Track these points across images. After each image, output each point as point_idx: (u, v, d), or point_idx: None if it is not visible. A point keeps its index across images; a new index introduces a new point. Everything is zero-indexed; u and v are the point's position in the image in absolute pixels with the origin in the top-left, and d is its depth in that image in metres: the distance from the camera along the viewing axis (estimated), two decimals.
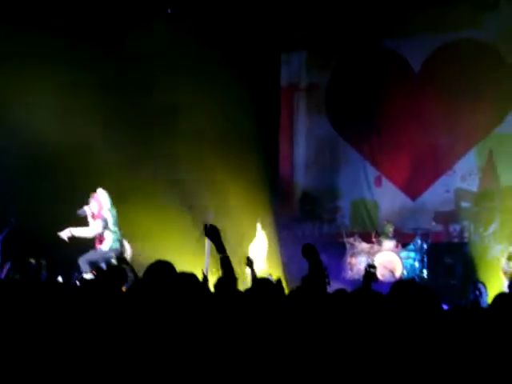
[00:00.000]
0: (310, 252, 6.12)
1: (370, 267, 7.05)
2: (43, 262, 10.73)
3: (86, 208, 12.09)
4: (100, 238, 12.03)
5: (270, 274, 9.70)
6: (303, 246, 6.16)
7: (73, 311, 4.93)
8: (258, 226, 14.33)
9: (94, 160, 13.62)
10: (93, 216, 12.04)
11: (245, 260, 8.04)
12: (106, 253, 11.90)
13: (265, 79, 16.62)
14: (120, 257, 8.14)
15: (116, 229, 12.12)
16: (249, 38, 15.81)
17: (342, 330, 4.36)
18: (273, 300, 4.75)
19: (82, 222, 12.10)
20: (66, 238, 11.84)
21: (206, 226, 5.94)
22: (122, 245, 12.22)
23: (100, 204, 12.02)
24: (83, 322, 4.79)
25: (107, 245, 11.94)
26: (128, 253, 12.27)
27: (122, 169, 14.00)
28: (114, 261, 8.97)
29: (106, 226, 11.96)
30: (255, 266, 13.35)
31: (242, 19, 15.45)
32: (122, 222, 13.64)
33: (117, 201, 13.20)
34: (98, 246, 12.01)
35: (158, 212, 14.10)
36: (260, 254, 13.95)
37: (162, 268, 4.86)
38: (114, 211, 12.18)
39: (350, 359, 4.09)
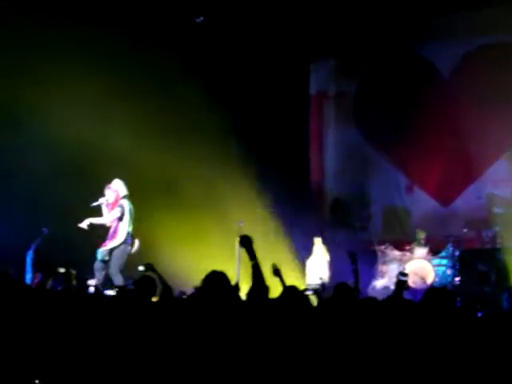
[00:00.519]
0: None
1: (402, 275, 7.03)
2: (73, 271, 10.78)
3: (101, 199, 12.22)
4: (114, 230, 12.14)
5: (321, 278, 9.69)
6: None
7: (108, 322, 4.95)
8: (317, 240, 14.25)
9: (127, 168, 13.69)
10: (107, 205, 12.16)
11: (271, 268, 8.01)
12: (122, 251, 12.04)
13: (294, 88, 16.61)
14: (148, 264, 8.14)
15: (130, 222, 12.24)
16: (278, 48, 15.81)
17: (374, 338, 4.33)
18: (303, 308, 4.75)
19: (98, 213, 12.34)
20: (85, 227, 12.08)
21: (240, 236, 6.15)
22: (132, 240, 12.30)
23: (117, 193, 12.14)
24: (121, 332, 4.81)
25: (120, 239, 12.03)
26: (134, 249, 12.32)
27: (154, 176, 14.09)
28: (141, 268, 8.96)
29: (123, 214, 12.07)
30: (314, 279, 13.49)
31: (271, 29, 15.45)
32: (154, 230, 13.74)
33: (148, 209, 13.32)
34: (107, 243, 12.09)
35: (189, 221, 14.15)
36: (320, 267, 13.92)
37: (218, 278, 4.94)
38: (131, 204, 12.29)
39: (382, 367, 4.06)
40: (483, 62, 15.11)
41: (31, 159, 13.48)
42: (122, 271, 11.99)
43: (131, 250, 12.26)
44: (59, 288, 11.23)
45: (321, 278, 13.39)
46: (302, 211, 15.49)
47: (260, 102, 14.95)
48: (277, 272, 7.82)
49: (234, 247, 12.50)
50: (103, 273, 12.04)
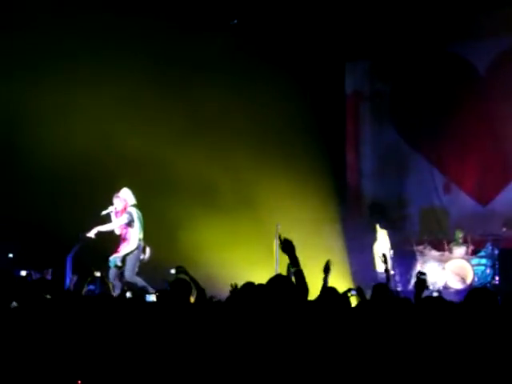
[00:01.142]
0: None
1: (421, 274, 6.99)
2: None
3: (110, 208, 12.44)
4: (124, 237, 12.29)
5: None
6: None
7: (149, 325, 4.98)
8: (377, 225, 14.35)
9: (163, 172, 13.77)
10: (116, 213, 12.33)
11: (325, 264, 7.96)
12: (136, 257, 12.27)
13: (330, 88, 16.62)
14: (179, 267, 8.15)
15: (141, 229, 12.41)
16: (313, 48, 15.81)
17: (413, 339, 4.31)
18: (339, 310, 4.74)
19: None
20: (93, 236, 12.35)
21: (282, 240, 6.04)
22: (144, 247, 12.43)
23: (126, 202, 12.31)
24: (161, 334, 4.83)
25: (133, 245, 12.17)
26: (146, 256, 12.45)
27: (190, 181, 14.14)
28: (172, 271, 8.99)
29: (131, 221, 12.22)
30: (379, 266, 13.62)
31: (306, 29, 15.45)
32: (191, 233, 13.77)
33: (184, 213, 13.36)
34: (120, 250, 12.21)
35: (225, 224, 14.16)
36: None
37: (282, 282, 4.92)
38: (140, 212, 12.42)
39: (421, 368, 4.04)
40: None
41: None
42: (138, 275, 12.18)
43: (144, 257, 12.43)
44: (96, 292, 11.38)
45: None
46: (339, 213, 15.48)
47: (296, 103, 14.90)
48: (327, 270, 7.77)
49: (273, 250, 12.51)
50: (119, 280, 12.21)
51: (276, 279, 4.93)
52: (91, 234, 12.39)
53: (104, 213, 12.49)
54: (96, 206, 13.11)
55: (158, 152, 13.74)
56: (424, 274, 7.15)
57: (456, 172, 15.66)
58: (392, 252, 14.19)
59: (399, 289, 13.86)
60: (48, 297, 6.33)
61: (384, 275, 13.74)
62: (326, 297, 5.21)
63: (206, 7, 14.68)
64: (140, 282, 12.07)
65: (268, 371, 4.05)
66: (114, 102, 13.47)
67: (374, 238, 14.59)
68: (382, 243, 14.23)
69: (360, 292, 7.70)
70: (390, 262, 13.69)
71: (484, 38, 15.26)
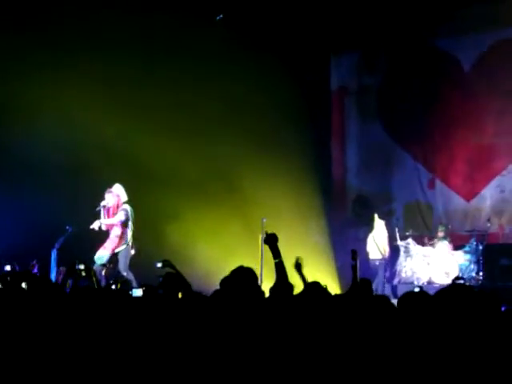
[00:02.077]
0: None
1: (457, 279, 7.02)
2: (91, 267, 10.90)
3: (102, 203, 12.44)
4: (120, 236, 12.28)
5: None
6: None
7: (137, 319, 4.99)
8: (376, 215, 14.41)
9: (150, 166, 13.78)
10: (108, 209, 12.31)
11: (294, 263, 7.97)
12: (127, 251, 12.28)
13: (317, 82, 16.64)
14: (165, 261, 8.15)
15: (132, 226, 12.45)
16: (300, 43, 15.82)
17: (392, 335, 4.34)
18: (323, 304, 4.77)
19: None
20: (97, 228, 12.43)
21: (266, 233, 6.12)
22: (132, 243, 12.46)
23: (118, 197, 12.30)
24: (148, 330, 4.85)
25: (125, 242, 12.16)
26: (132, 252, 12.50)
27: (176, 177, 14.13)
28: (159, 264, 8.99)
29: (127, 219, 12.22)
30: (374, 254, 13.75)
31: (292, 23, 15.45)
32: (177, 229, 13.80)
33: (170, 208, 13.38)
34: (110, 247, 12.20)
35: (211, 219, 14.19)
36: (380, 242, 14.11)
37: (245, 274, 4.93)
38: (132, 209, 12.46)
39: (405, 365, 4.07)
40: (504, 55, 15.01)
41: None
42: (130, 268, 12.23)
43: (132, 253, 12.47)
44: (80, 285, 11.34)
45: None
46: (324, 207, 15.53)
47: (282, 98, 14.92)
48: (298, 267, 7.78)
49: (258, 244, 12.55)
50: (104, 274, 12.19)
51: (239, 271, 4.97)
52: (95, 225, 12.43)
53: (97, 209, 12.46)
54: (82, 199, 13.13)
55: (143, 146, 13.72)
56: (459, 278, 7.17)
57: (441, 167, 15.70)
58: (388, 242, 14.30)
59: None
60: (24, 287, 6.32)
61: (377, 263, 13.99)
62: (308, 291, 5.23)
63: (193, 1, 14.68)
64: (131, 277, 12.04)
65: (251, 366, 4.08)
66: (100, 96, 13.44)
67: (369, 229, 14.59)
68: (380, 233, 14.28)
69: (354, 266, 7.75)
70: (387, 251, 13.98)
71: (470, 33, 15.29)
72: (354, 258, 8.43)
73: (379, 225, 14.39)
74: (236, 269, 5.00)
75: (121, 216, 12.36)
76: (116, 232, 12.39)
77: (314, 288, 5.20)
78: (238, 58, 14.59)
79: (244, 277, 4.90)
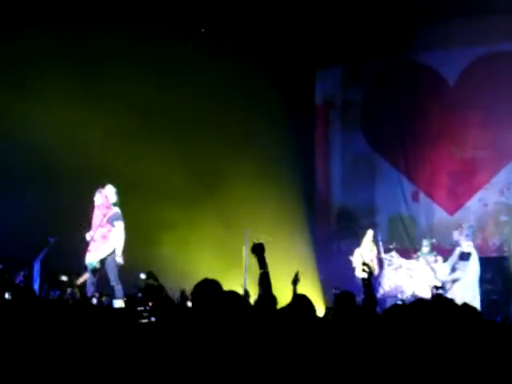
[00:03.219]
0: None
1: (436, 288, 7.00)
2: (64, 278, 10.82)
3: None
4: (103, 236, 12.08)
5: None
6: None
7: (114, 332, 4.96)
8: (369, 232, 14.35)
9: (132, 175, 13.72)
10: (93, 208, 12.14)
11: (294, 276, 7.96)
12: (113, 259, 11.93)
13: (301, 96, 16.65)
14: (149, 272, 8.12)
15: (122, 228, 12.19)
16: (284, 56, 15.84)
17: (378, 348, 4.32)
18: (310, 318, 4.75)
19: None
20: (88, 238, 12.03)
21: (254, 243, 6.10)
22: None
23: (106, 198, 12.09)
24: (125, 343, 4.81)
25: (111, 246, 11.97)
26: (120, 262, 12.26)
27: (159, 187, 14.09)
28: (143, 275, 8.94)
29: (118, 219, 12.06)
30: (361, 272, 13.64)
31: (278, 36, 15.48)
32: (160, 240, 13.74)
33: (153, 218, 13.32)
34: (91, 249, 12.05)
35: (194, 230, 14.15)
36: (368, 260, 14.08)
37: (209, 286, 4.90)
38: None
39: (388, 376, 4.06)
40: (488, 70, 15.09)
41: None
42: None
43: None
44: (64, 297, 11.26)
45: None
46: (308, 220, 15.53)
47: (265, 112, 14.93)
48: (295, 281, 7.78)
49: (241, 255, 12.54)
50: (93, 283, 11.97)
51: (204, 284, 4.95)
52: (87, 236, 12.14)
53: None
54: (65, 208, 13.03)
55: (127, 156, 13.68)
56: (439, 287, 7.12)
57: (424, 181, 15.75)
58: (376, 259, 14.23)
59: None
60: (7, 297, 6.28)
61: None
62: (296, 305, 5.21)
63: (177, 12, 14.68)
64: (120, 290, 11.63)
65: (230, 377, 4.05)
66: (85, 104, 13.41)
67: (359, 243, 14.55)
68: (368, 250, 14.22)
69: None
70: (376, 269, 13.87)
71: (452, 48, 15.38)
72: (366, 271, 8.31)
73: (368, 241, 14.33)
74: (200, 282, 4.97)
75: (120, 227, 12.08)
76: (100, 233, 12.12)
77: (301, 302, 5.18)
78: (223, 70, 14.60)
79: (207, 289, 4.86)
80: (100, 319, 5.11)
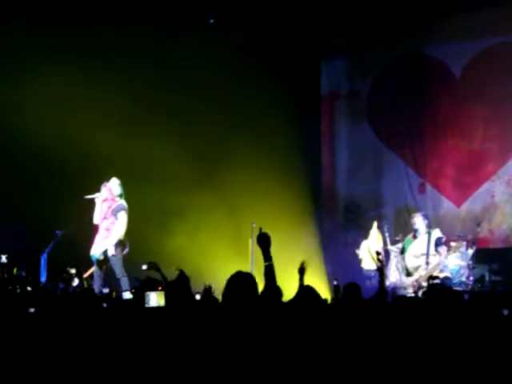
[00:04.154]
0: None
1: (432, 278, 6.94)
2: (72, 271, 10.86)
3: (96, 194, 12.25)
4: (107, 228, 12.14)
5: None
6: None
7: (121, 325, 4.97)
8: (375, 224, 14.32)
9: (138, 167, 13.74)
10: (102, 202, 12.16)
11: (299, 265, 7.95)
12: (118, 252, 11.98)
13: (306, 87, 16.63)
14: (151, 263, 8.13)
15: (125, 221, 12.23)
16: (290, 46, 15.83)
17: (383, 338, 4.33)
18: (317, 310, 4.75)
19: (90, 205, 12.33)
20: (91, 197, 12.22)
21: (259, 234, 6.01)
22: (123, 242, 12.28)
23: (110, 191, 12.14)
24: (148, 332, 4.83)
25: (114, 238, 12.01)
26: (125, 251, 12.27)
27: (165, 179, 14.10)
28: (144, 266, 8.96)
29: (123, 210, 12.09)
30: (368, 264, 13.64)
31: (283, 27, 15.47)
32: (166, 232, 13.74)
33: (158, 211, 13.31)
34: (96, 241, 12.09)
35: (201, 223, 14.15)
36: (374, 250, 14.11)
37: (244, 279, 4.86)
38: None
39: (392, 368, 4.07)
40: (494, 60, 15.05)
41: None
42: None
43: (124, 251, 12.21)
44: (71, 289, 11.31)
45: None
46: (314, 212, 15.53)
47: (270, 103, 14.91)
48: (302, 271, 7.77)
49: (248, 248, 12.55)
50: (99, 276, 12.02)
51: (237, 276, 4.89)
52: (92, 196, 12.27)
53: (88, 197, 12.32)
54: (71, 203, 13.04)
55: (132, 146, 13.68)
56: (436, 277, 7.13)
57: (431, 172, 15.72)
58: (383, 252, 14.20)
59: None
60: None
61: (372, 274, 13.91)
62: (302, 296, 5.21)
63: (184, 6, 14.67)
64: (126, 282, 11.71)
65: (240, 371, 4.06)
66: (89, 95, 13.41)
67: (364, 235, 14.56)
68: (375, 242, 14.23)
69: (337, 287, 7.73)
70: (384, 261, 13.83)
71: (459, 40, 15.34)
72: (380, 260, 8.35)
73: (375, 234, 14.34)
74: (234, 274, 4.90)
75: (123, 218, 12.13)
76: (105, 225, 12.19)
77: (307, 293, 5.18)
78: (228, 62, 14.60)
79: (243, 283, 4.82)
80: (106, 309, 5.12)
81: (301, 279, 7.70)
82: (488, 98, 14.94)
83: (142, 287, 6.23)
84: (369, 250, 14.15)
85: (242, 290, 4.68)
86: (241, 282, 4.81)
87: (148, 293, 6.04)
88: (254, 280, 4.87)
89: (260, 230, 6.07)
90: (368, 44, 16.35)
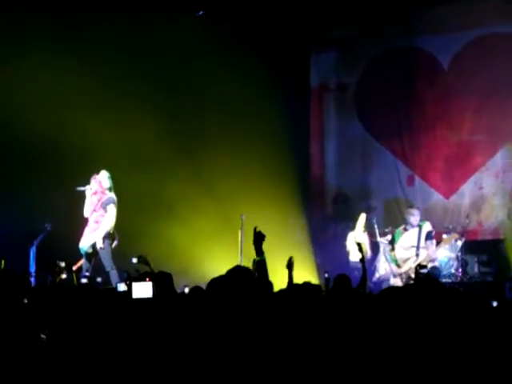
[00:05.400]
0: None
1: (421, 267, 7.05)
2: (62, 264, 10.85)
3: (87, 186, 12.27)
4: (96, 220, 12.15)
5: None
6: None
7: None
8: (362, 215, 14.37)
9: (129, 159, 13.72)
10: (92, 194, 12.13)
11: (287, 261, 8.01)
12: (107, 244, 11.98)
13: (296, 79, 16.63)
14: (141, 257, 8.13)
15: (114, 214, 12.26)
16: (280, 38, 15.83)
17: (373, 331, 4.33)
18: (308, 304, 4.75)
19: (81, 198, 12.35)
20: (83, 189, 12.27)
21: (255, 230, 6.09)
22: (112, 235, 12.27)
23: (100, 184, 12.16)
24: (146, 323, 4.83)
25: (102, 231, 11.99)
26: (113, 245, 12.28)
27: (154, 170, 14.09)
28: (134, 260, 8.97)
29: (112, 203, 12.06)
30: (355, 256, 13.68)
31: (272, 19, 15.47)
32: (155, 225, 13.72)
33: (147, 204, 13.29)
34: (86, 233, 12.06)
35: (189, 216, 14.14)
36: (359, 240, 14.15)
37: (242, 273, 4.84)
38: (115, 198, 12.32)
39: (383, 362, 4.07)
40: (482, 52, 15.07)
41: None
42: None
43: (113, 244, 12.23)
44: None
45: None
46: (303, 204, 15.53)
47: (258, 96, 14.89)
48: (290, 266, 7.82)
49: (237, 240, 12.55)
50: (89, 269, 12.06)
51: (235, 270, 4.87)
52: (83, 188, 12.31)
53: (79, 189, 12.31)
54: (60, 196, 13.02)
55: (120, 139, 13.63)
56: (425, 266, 7.21)
57: (420, 165, 15.75)
58: (369, 243, 14.23)
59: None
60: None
61: (359, 265, 13.92)
62: (293, 290, 5.21)
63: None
64: (115, 275, 11.78)
65: (231, 365, 4.06)
66: (80, 91, 13.34)
67: (352, 227, 14.58)
68: (359, 233, 14.26)
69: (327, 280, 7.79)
70: (368, 252, 13.87)
71: (447, 31, 15.36)
72: (361, 250, 8.49)
73: (361, 225, 14.36)
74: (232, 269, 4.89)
75: (112, 211, 12.15)
76: (94, 217, 12.21)
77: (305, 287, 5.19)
78: (217, 53, 14.58)
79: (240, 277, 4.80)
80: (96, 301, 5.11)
81: (290, 274, 7.74)
82: (476, 90, 14.96)
83: (138, 280, 6.23)
84: (355, 241, 14.20)
85: (240, 284, 4.67)
86: (239, 276, 4.79)
87: (135, 283, 6.02)
88: (253, 275, 4.86)
89: (255, 229, 6.14)
90: (357, 37, 16.39)
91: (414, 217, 13.28)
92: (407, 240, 13.19)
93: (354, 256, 14.11)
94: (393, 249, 13.24)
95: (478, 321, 4.09)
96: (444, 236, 13.41)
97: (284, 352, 4.21)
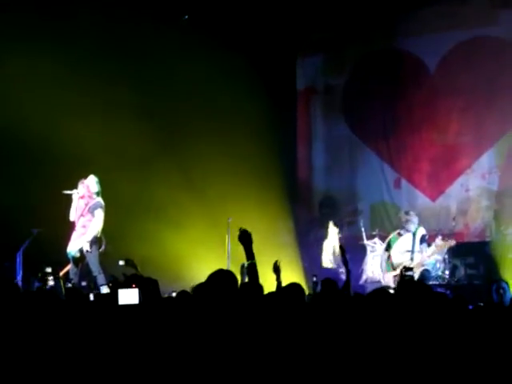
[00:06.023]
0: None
1: (406, 270, 7.03)
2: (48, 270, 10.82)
3: (74, 190, 12.22)
4: (83, 225, 12.12)
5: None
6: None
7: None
8: (331, 223, 14.37)
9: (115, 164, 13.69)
10: (79, 199, 12.09)
11: (273, 265, 8.00)
12: (94, 249, 11.95)
13: (282, 83, 16.62)
14: (128, 260, 8.12)
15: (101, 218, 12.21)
16: (265, 42, 15.84)
17: (361, 334, 4.34)
18: (297, 307, 4.76)
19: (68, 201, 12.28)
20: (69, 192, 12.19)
21: (240, 230, 5.98)
22: (100, 239, 12.23)
23: (88, 188, 12.13)
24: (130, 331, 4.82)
25: (89, 235, 11.96)
26: (101, 249, 12.24)
27: (141, 174, 14.08)
28: (121, 262, 8.95)
29: (99, 208, 12.04)
30: (327, 263, 13.73)
31: (258, 23, 15.48)
32: (141, 228, 13.69)
33: (135, 207, 13.26)
34: (73, 238, 12.04)
35: (177, 217, 14.12)
36: (331, 251, 14.15)
37: (225, 277, 4.82)
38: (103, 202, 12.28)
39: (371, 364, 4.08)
40: (468, 55, 15.12)
41: None
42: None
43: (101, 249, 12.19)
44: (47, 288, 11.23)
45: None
46: (290, 208, 15.53)
47: (248, 98, 14.89)
48: (277, 270, 7.81)
49: (224, 243, 12.54)
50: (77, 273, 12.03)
51: (217, 274, 4.83)
52: (69, 191, 12.25)
53: (66, 192, 12.27)
54: (47, 201, 12.97)
55: (110, 144, 13.62)
56: (411, 269, 7.23)
57: (406, 167, 15.78)
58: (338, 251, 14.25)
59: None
60: None
61: (337, 270, 14.00)
62: (282, 293, 5.22)
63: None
64: (103, 280, 11.73)
65: (219, 367, 4.06)
66: (70, 92, 13.33)
67: (324, 235, 14.65)
68: (332, 241, 14.32)
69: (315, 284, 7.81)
70: (339, 257, 13.86)
71: (433, 34, 15.40)
72: (343, 254, 8.52)
73: (332, 232, 14.42)
74: (215, 272, 4.84)
75: (99, 216, 12.13)
76: (81, 222, 12.17)
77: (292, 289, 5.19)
78: (203, 57, 14.57)
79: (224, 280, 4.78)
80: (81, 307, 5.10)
81: (278, 278, 7.73)
82: (462, 92, 15.01)
83: (126, 284, 6.20)
84: (325, 249, 14.30)
85: (222, 286, 4.66)
86: (222, 279, 4.77)
87: (121, 290, 5.98)
88: (235, 277, 4.83)
89: (240, 229, 6.02)
90: (343, 40, 16.41)
91: (413, 223, 13.32)
92: (402, 245, 13.23)
93: (326, 263, 14.19)
94: (389, 256, 13.26)
95: (461, 321, 4.11)
96: (438, 242, 13.42)
97: (273, 353, 4.21)
